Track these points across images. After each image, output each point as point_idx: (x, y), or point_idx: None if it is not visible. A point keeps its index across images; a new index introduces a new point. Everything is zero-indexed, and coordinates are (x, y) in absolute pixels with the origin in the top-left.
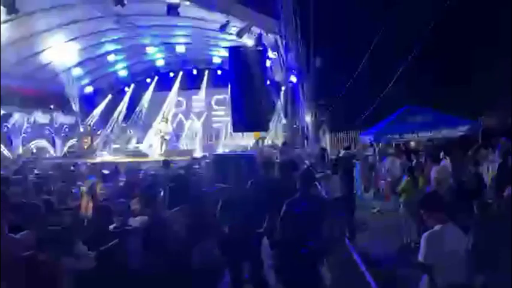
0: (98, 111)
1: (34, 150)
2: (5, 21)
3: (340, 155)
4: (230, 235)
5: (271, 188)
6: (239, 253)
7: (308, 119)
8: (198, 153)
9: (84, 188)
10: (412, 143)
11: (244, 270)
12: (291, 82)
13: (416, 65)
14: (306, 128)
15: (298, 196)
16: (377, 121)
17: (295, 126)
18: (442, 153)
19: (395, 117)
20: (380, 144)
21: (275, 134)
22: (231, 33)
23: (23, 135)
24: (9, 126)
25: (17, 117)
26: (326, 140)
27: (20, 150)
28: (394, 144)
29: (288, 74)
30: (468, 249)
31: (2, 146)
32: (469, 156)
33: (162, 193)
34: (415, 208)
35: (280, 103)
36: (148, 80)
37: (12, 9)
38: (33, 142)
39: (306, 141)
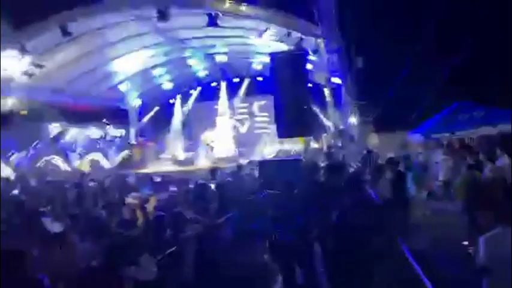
0: (145, 123)
1: (90, 164)
2: (60, 44)
3: (390, 156)
4: (281, 241)
5: (319, 192)
6: (291, 259)
7: (353, 120)
8: (244, 160)
9: (138, 200)
10: (466, 140)
11: (296, 277)
12: (334, 84)
13: (466, 61)
14: (351, 130)
15: (348, 200)
16: (427, 119)
17: (340, 128)
18: (498, 151)
19: (445, 114)
20: (431, 142)
21: (320, 138)
22: (270, 40)
23: (79, 149)
24: (65, 141)
25: (72, 132)
26: (373, 141)
27: (77, 164)
28: (446, 143)
29: (330, 76)
30: None
31: (59, 160)
32: None
33: (212, 201)
34: (472, 208)
35: (324, 106)
36: (192, 91)
37: (65, 33)
38: (88, 155)
39: (351, 143)
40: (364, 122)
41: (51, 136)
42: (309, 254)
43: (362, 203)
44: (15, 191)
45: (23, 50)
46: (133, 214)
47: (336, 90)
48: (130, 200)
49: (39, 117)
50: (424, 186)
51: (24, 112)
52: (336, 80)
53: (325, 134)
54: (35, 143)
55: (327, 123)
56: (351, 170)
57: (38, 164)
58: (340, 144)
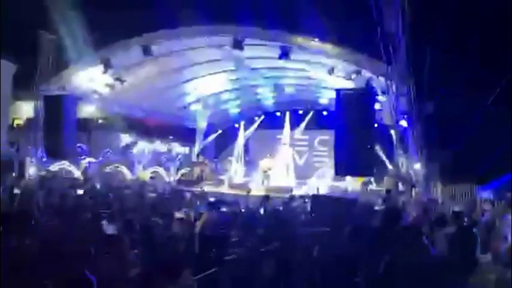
0: (208, 143)
1: (151, 176)
2: (140, 62)
3: (456, 209)
4: (322, 282)
5: (371, 237)
6: None
7: (417, 166)
8: (297, 191)
9: (189, 216)
10: None
11: None
12: (401, 126)
13: None
14: (414, 176)
15: (402, 250)
16: (501, 175)
17: (402, 172)
18: None
19: None
20: (502, 202)
21: (380, 180)
22: (339, 76)
23: (144, 161)
24: (133, 152)
25: (140, 144)
26: (436, 191)
27: (140, 174)
28: None
29: (397, 119)
30: None
31: (125, 169)
32: None
33: (259, 228)
34: None
35: (388, 148)
36: (256, 118)
37: (146, 52)
38: (151, 168)
39: (412, 190)
40: (430, 169)
41: (122, 146)
42: None
43: (417, 256)
44: (81, 191)
45: (108, 65)
46: (182, 228)
47: (402, 133)
48: (181, 214)
49: (113, 127)
50: (489, 247)
51: (101, 121)
52: (403, 123)
53: (386, 177)
54: (105, 151)
55: (390, 166)
56: (409, 218)
57: (106, 170)
58: (400, 189)
